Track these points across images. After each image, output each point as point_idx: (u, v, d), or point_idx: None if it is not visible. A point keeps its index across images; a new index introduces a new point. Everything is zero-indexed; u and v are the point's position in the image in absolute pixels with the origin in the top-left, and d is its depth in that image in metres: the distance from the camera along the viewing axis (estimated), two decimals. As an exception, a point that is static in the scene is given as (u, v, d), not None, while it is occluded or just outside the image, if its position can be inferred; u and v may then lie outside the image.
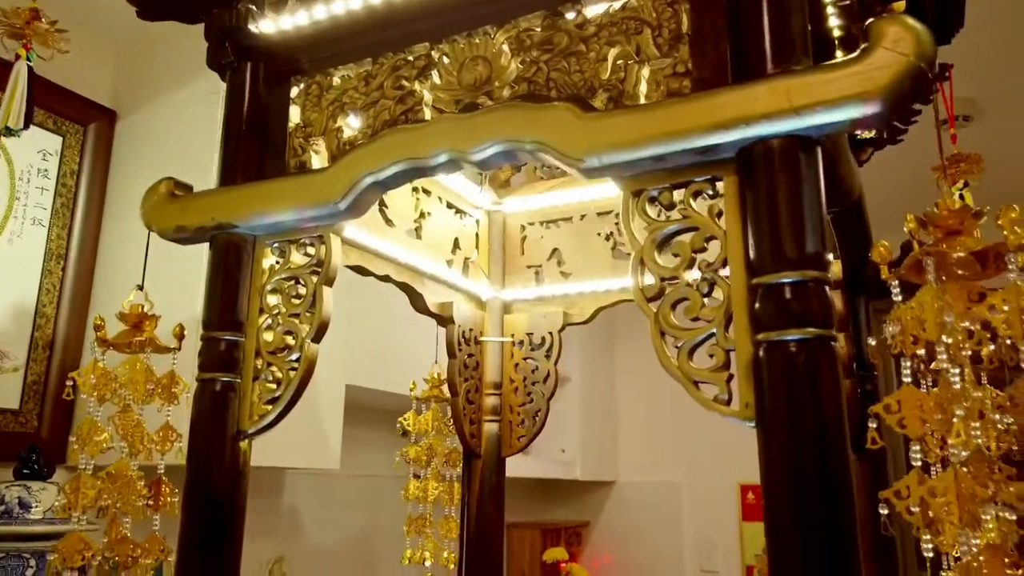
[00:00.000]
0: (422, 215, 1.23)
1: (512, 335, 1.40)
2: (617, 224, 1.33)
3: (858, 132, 1.20)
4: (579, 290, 1.36)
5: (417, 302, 1.26)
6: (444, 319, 1.31)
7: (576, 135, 0.70)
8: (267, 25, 0.92)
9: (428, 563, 1.36)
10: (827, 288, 0.60)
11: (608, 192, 1.31)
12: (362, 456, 2.42)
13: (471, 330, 1.36)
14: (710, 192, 0.67)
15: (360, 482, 2.66)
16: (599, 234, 1.35)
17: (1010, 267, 0.57)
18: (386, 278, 1.16)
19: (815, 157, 0.63)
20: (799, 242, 0.61)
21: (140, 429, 0.88)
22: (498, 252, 1.41)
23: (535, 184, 1.41)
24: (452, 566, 1.37)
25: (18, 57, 0.89)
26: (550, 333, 1.38)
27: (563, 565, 3.84)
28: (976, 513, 0.53)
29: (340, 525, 2.66)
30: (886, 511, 0.57)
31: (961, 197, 1.24)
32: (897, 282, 0.63)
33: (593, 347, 4.16)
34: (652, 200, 0.69)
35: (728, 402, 0.63)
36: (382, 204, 1.14)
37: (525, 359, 1.39)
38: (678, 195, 0.69)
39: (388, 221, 1.15)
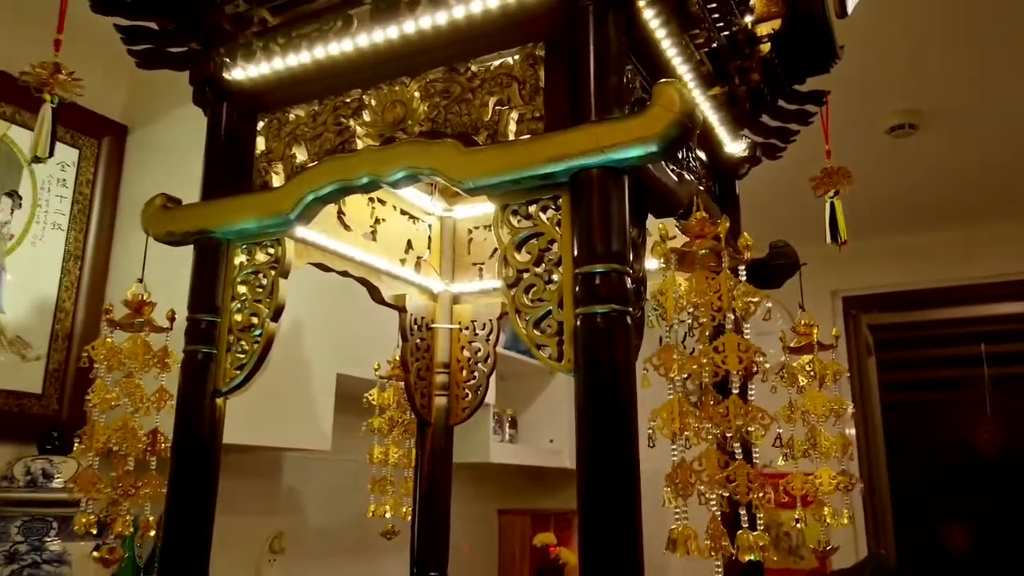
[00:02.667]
0: (377, 221, 1.48)
1: (459, 322, 1.64)
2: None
3: (740, 152, 1.43)
4: (514, 284, 1.60)
5: (374, 294, 1.51)
6: (399, 309, 1.56)
7: (458, 164, 0.94)
8: (238, 73, 1.17)
9: (388, 515, 1.60)
10: (626, 277, 0.84)
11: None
12: (355, 442, 2.63)
13: (423, 318, 1.60)
14: (553, 207, 0.91)
15: (353, 466, 2.84)
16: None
17: (723, 263, 0.81)
18: (345, 273, 1.41)
19: (621, 182, 0.87)
20: (606, 243, 0.85)
21: (140, 391, 1.14)
22: (448, 252, 1.66)
23: (480, 194, 1.65)
24: (408, 518, 1.62)
25: (44, 100, 1.14)
26: (490, 320, 1.62)
27: (553, 549, 4.03)
28: (688, 425, 0.76)
29: (335, 505, 2.82)
30: (650, 430, 0.81)
31: (832, 205, 1.47)
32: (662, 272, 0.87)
33: (579, 342, 4.37)
34: (514, 212, 0.94)
35: (559, 359, 0.87)
36: (340, 212, 1.39)
37: (470, 342, 1.63)
38: (532, 208, 0.93)
39: (346, 226, 1.40)
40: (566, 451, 4.12)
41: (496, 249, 1.68)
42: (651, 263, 1.03)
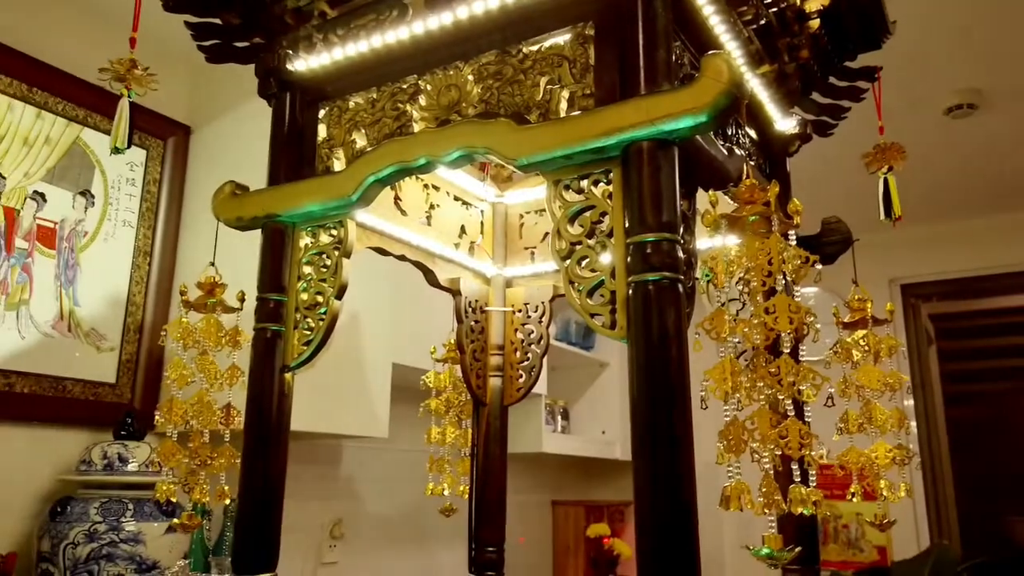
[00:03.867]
0: (432, 207, 1.53)
1: (512, 305, 1.68)
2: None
3: (790, 129, 1.44)
4: (566, 266, 1.63)
5: (430, 278, 1.56)
6: (453, 292, 1.61)
7: (511, 142, 0.98)
8: (300, 64, 1.23)
9: (447, 493, 1.65)
10: (677, 245, 0.86)
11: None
12: (411, 432, 2.68)
13: (477, 301, 1.65)
14: (605, 180, 0.94)
15: (409, 456, 2.89)
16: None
17: (773, 227, 0.82)
18: (402, 257, 1.46)
19: (671, 154, 0.89)
20: (657, 213, 0.87)
21: (214, 367, 1.20)
22: (500, 237, 1.70)
23: (531, 179, 1.68)
24: (466, 496, 1.66)
25: (121, 95, 1.21)
26: (543, 303, 1.66)
27: (606, 540, 4.05)
28: (739, 385, 0.78)
29: (392, 492, 2.90)
30: (702, 391, 0.83)
31: (885, 181, 1.46)
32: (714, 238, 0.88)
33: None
34: (566, 187, 0.97)
35: (613, 327, 0.90)
36: (397, 198, 1.44)
37: (523, 324, 1.67)
38: (584, 183, 0.96)
39: (402, 211, 1.45)
40: (618, 443, 4.12)
41: (547, 233, 1.74)
42: (703, 242, 1.05)
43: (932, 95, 2.82)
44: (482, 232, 1.68)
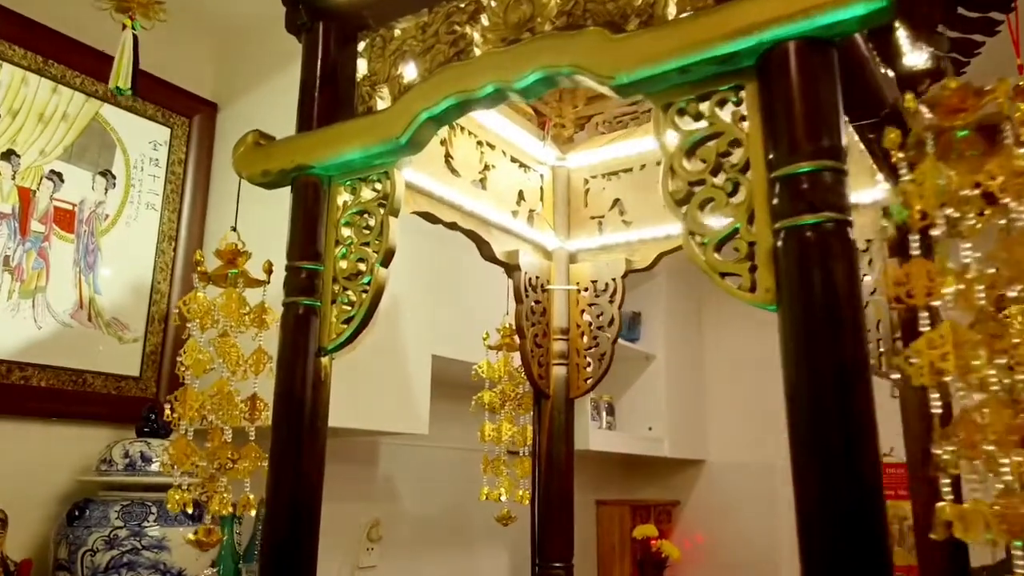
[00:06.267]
0: (487, 167, 1.31)
1: (577, 283, 1.46)
2: (676, 171, 1.37)
3: (921, 64, 1.20)
4: (640, 237, 1.41)
5: (484, 250, 1.34)
6: (510, 267, 1.39)
7: (606, 55, 0.76)
8: (335, -13, 1.02)
9: (504, 498, 1.44)
10: (843, 177, 0.64)
11: (667, 141, 1.35)
12: (451, 430, 2.51)
13: (537, 278, 1.43)
14: (734, 100, 0.72)
15: (450, 454, 2.76)
16: (659, 182, 1.39)
17: (1005, 135, 0.60)
18: (453, 225, 1.25)
19: (830, 57, 0.67)
20: (814, 135, 0.65)
21: (236, 351, 1.00)
22: (562, 205, 1.48)
23: (596, 139, 1.46)
24: (526, 503, 1.45)
25: (125, 27, 1.02)
26: (613, 279, 1.43)
27: (653, 542, 3.85)
28: (969, 359, 0.55)
29: (431, 492, 2.78)
30: (897, 375, 0.61)
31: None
32: (906, 165, 0.65)
33: (679, 325, 4.14)
34: (681, 112, 0.75)
35: (752, 290, 0.68)
36: (448, 156, 1.22)
37: (590, 305, 1.45)
38: (705, 105, 0.74)
39: (454, 171, 1.24)
40: (666, 440, 3.93)
41: (616, 200, 1.52)
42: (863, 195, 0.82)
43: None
44: (541, 200, 1.47)
